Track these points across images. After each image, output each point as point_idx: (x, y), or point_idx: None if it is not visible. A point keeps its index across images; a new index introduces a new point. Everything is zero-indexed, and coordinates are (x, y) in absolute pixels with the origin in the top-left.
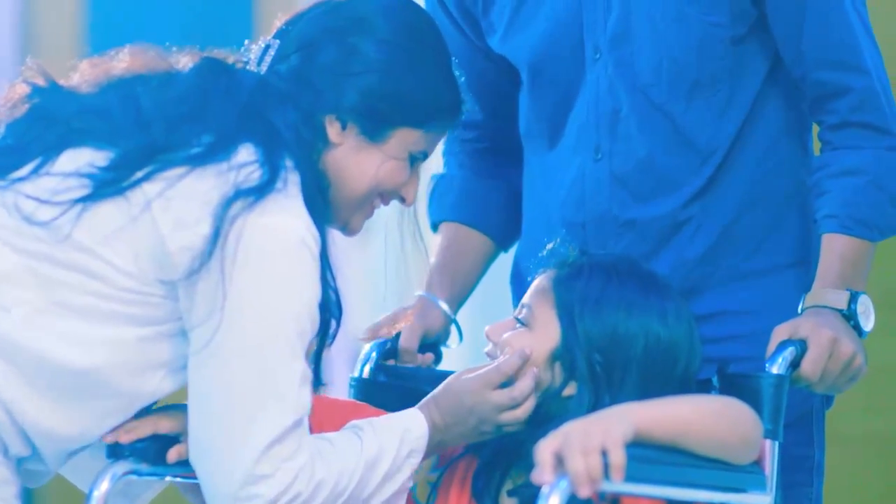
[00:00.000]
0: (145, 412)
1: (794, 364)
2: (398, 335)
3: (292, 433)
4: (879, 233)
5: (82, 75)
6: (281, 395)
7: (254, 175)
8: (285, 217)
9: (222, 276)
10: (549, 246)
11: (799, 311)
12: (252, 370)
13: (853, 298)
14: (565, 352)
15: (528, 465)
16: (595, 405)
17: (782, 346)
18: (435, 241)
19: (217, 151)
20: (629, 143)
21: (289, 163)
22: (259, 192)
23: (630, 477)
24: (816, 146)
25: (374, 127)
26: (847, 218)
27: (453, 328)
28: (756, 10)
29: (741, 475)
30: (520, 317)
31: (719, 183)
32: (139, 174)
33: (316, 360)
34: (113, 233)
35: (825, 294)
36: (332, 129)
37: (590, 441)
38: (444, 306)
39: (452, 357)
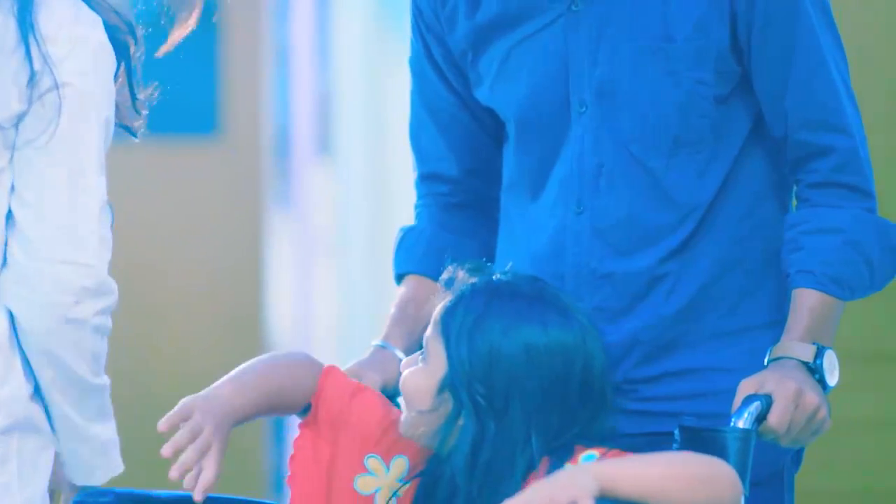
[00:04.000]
0: None
1: (760, 418)
2: None
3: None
4: (851, 292)
5: None
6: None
7: None
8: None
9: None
10: (445, 274)
11: (765, 362)
12: (76, 167)
13: (819, 353)
14: (451, 383)
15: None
16: (481, 434)
17: (748, 400)
18: (398, 292)
19: None
20: (611, 198)
21: None
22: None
23: None
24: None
25: None
26: (822, 275)
27: None
28: (741, 69)
29: None
30: (423, 348)
31: (699, 240)
32: None
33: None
34: None
35: (792, 346)
36: None
37: (558, 496)
38: (403, 357)
39: None
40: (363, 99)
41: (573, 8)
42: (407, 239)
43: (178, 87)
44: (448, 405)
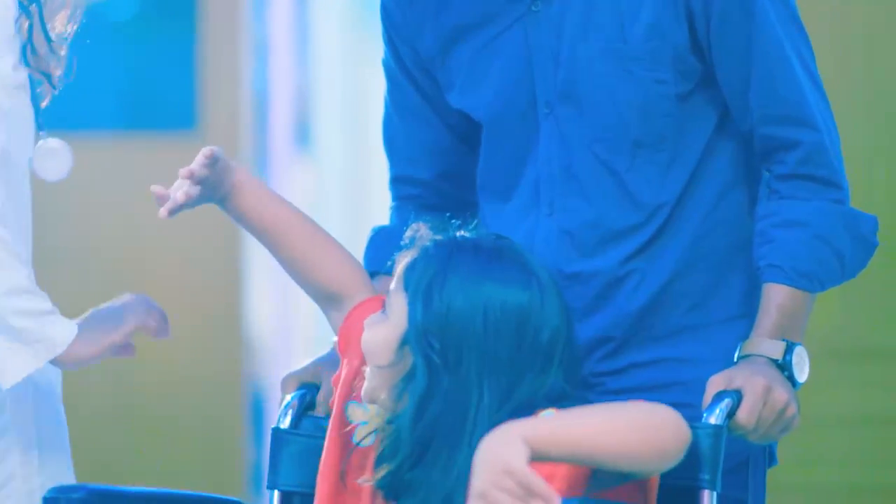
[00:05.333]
0: None
1: (730, 414)
2: (318, 386)
3: None
4: (820, 285)
5: None
6: None
7: None
8: None
9: None
10: (409, 232)
11: (735, 359)
12: None
13: (789, 349)
14: (411, 338)
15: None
16: (432, 389)
17: (719, 396)
18: None
19: None
20: (579, 200)
21: None
22: None
23: None
24: None
25: None
26: (791, 270)
27: None
28: (702, 66)
29: None
30: (385, 304)
31: (664, 238)
32: None
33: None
34: None
35: (761, 343)
36: None
37: (493, 474)
38: None
39: None
40: (342, 94)
41: (533, 9)
42: (377, 238)
43: (156, 82)
44: (408, 361)
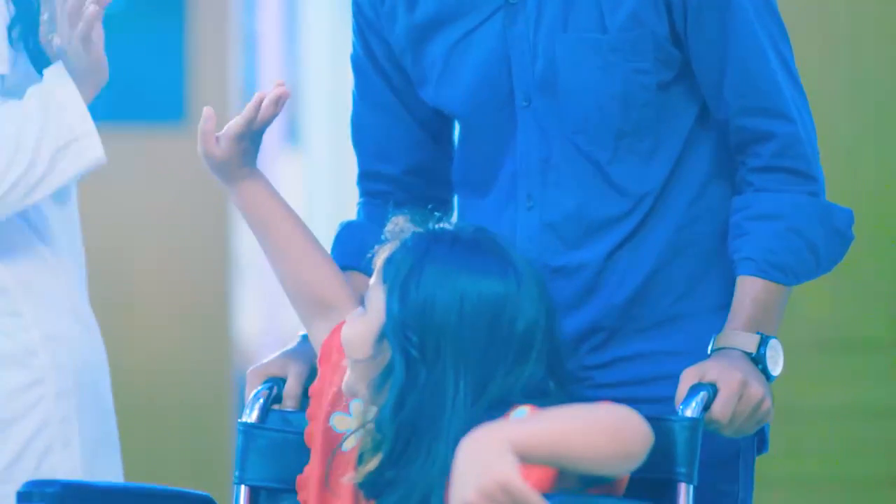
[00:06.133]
0: None
1: (706, 407)
2: (285, 379)
3: None
4: (795, 277)
5: None
6: None
7: None
8: None
9: None
10: (390, 226)
11: (708, 351)
12: None
13: (763, 342)
14: (389, 331)
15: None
16: (410, 382)
17: (694, 389)
18: None
19: None
20: (559, 191)
21: None
22: None
23: None
24: None
25: None
26: (764, 262)
27: None
28: (682, 56)
29: None
30: (364, 298)
31: (649, 227)
32: None
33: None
34: None
35: (735, 336)
36: None
37: (487, 485)
38: None
39: None
40: (330, 88)
41: (510, 0)
42: (343, 234)
43: (144, 74)
44: (386, 354)
